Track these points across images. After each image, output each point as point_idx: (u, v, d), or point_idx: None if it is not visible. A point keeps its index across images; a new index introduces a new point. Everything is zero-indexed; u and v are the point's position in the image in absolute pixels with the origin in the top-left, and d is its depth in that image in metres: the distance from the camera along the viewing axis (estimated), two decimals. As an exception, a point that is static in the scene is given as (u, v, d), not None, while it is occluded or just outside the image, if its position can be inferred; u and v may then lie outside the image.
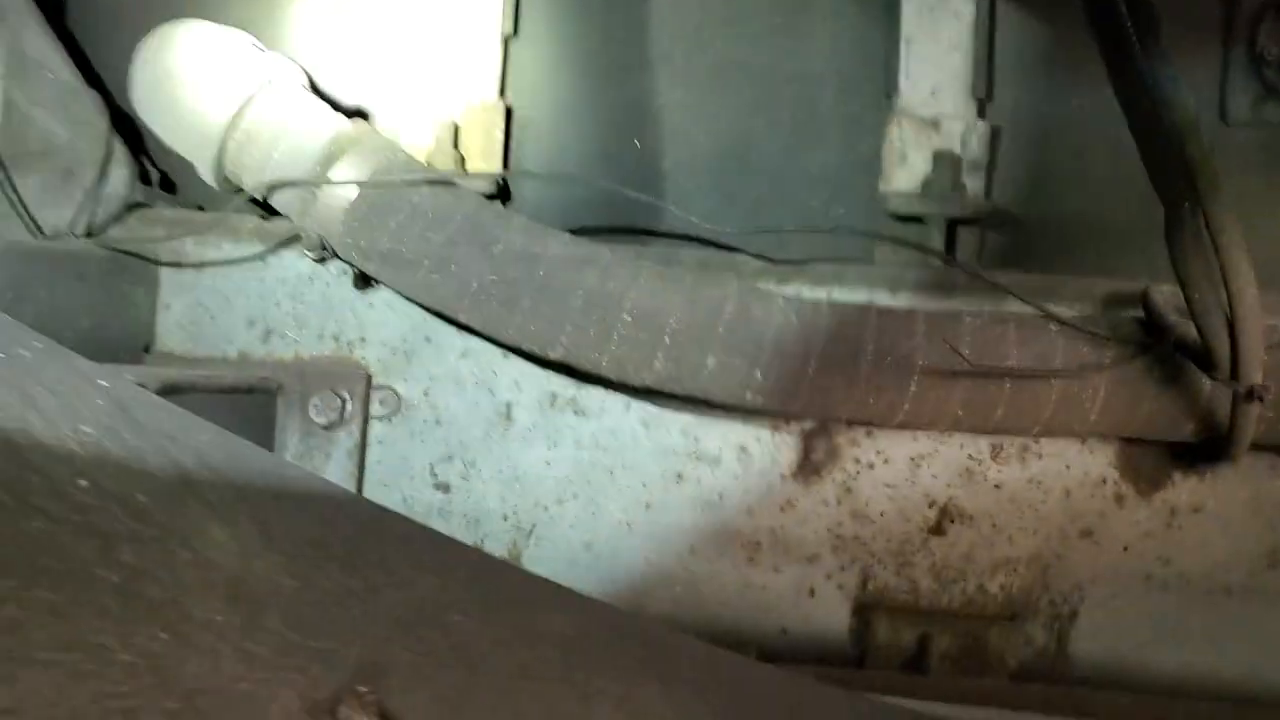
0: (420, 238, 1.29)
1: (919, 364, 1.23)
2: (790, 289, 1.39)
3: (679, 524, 1.41)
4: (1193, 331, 1.14)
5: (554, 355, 1.29)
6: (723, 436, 1.40)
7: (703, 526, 1.41)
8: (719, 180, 1.54)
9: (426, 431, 1.46)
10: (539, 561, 1.44)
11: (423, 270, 1.30)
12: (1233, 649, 1.36)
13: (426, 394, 1.46)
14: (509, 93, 1.56)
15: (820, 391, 1.25)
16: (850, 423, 1.33)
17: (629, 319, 1.26)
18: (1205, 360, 1.15)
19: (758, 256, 1.43)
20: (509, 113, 1.55)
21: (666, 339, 1.25)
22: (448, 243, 1.28)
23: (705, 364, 1.25)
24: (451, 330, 1.43)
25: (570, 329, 1.27)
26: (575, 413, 1.43)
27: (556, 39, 1.57)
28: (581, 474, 1.43)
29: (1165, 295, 1.23)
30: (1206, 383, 1.21)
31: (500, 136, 1.53)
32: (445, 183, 1.35)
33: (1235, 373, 1.12)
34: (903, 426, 1.29)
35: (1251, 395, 1.13)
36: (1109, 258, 1.45)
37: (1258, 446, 1.26)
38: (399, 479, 1.47)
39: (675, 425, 1.41)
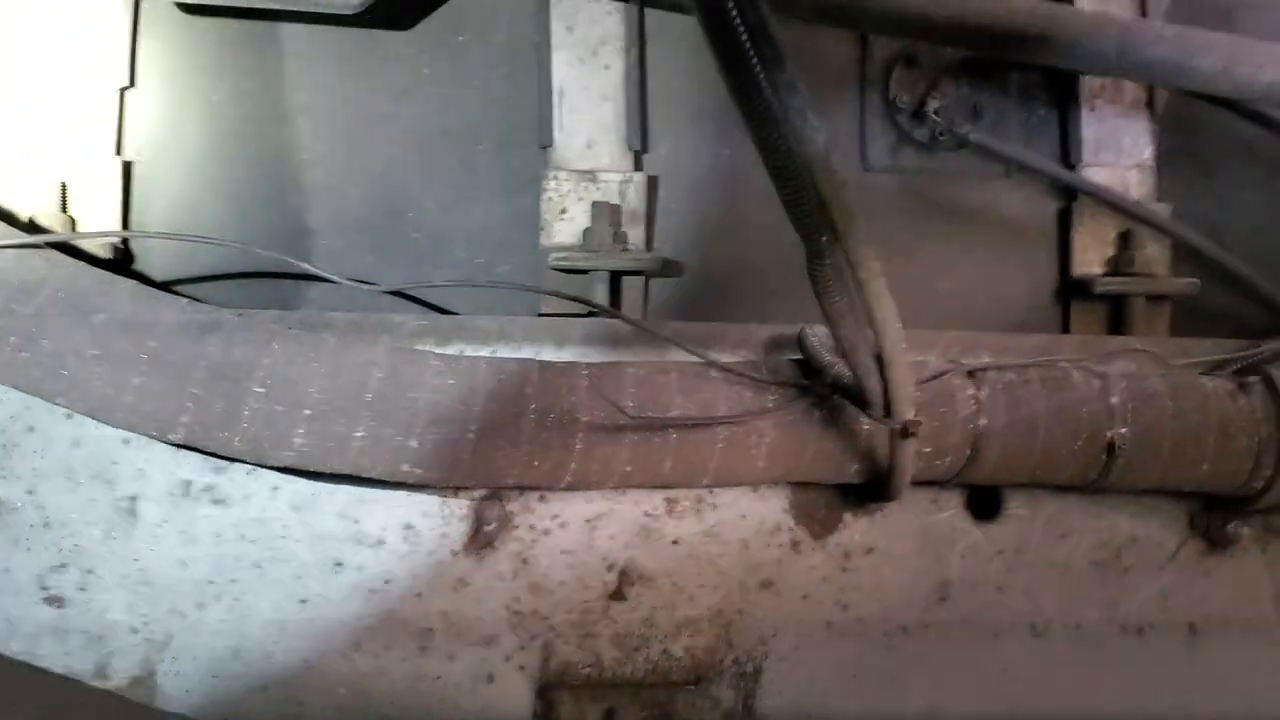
0: (3, 310, 1.11)
1: (583, 420, 1.16)
2: (452, 348, 1.29)
3: (340, 617, 1.26)
4: (849, 371, 1.14)
5: (175, 438, 1.14)
6: (385, 514, 1.27)
7: (367, 617, 1.27)
8: (373, 238, 1.44)
9: (33, 537, 1.24)
10: (178, 677, 1.25)
11: (8, 348, 1.11)
12: (913, 688, 1.36)
13: (31, 493, 1.24)
14: (127, 148, 1.39)
15: (483, 457, 1.16)
16: (519, 488, 1.24)
17: (261, 391, 1.12)
18: (860, 399, 1.15)
19: (421, 304, 1.34)
20: (128, 169, 1.38)
21: (307, 411, 1.12)
22: (37, 314, 1.10)
23: (353, 437, 1.13)
24: (60, 415, 1.23)
25: (192, 407, 1.11)
26: (213, 501, 1.25)
27: (178, 90, 1.42)
28: (224, 571, 1.25)
29: (820, 336, 1.23)
30: (866, 421, 1.21)
31: (119, 195, 1.37)
32: (37, 246, 1.17)
33: (889, 410, 1.12)
34: (571, 487, 1.21)
35: (905, 432, 1.13)
36: (769, 304, 1.45)
37: (918, 482, 1.28)
38: (-1, 596, 1.24)
39: (331, 507, 1.27)
